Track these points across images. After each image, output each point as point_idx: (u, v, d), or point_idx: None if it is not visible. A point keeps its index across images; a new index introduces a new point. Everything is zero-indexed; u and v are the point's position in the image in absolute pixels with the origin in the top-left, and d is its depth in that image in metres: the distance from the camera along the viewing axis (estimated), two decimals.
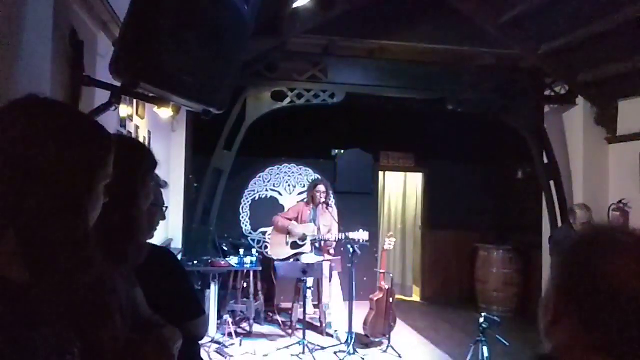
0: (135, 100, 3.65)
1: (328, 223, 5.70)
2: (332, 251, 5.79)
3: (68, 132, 0.86)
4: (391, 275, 5.68)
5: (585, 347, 0.80)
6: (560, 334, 0.84)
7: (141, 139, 4.08)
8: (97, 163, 0.89)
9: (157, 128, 4.87)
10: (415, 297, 8.09)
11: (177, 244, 5.85)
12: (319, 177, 6.36)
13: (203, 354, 4.48)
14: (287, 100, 5.71)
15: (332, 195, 5.86)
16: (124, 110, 3.41)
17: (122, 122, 3.42)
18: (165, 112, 3.78)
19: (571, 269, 0.84)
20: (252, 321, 5.72)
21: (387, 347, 5.23)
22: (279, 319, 6.06)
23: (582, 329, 0.80)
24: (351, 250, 5.11)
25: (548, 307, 0.86)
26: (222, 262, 5.39)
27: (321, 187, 5.70)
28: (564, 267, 0.86)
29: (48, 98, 0.89)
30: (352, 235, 5.27)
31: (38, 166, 0.81)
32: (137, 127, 3.92)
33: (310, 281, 5.57)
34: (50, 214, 0.81)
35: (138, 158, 1.35)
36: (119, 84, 2.05)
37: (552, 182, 6.02)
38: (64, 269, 0.80)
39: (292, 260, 5.64)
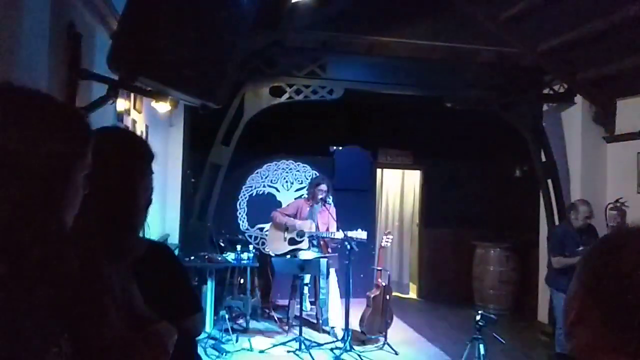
0: (132, 94, 3.63)
1: (326, 221, 5.69)
2: (329, 249, 5.78)
3: (44, 121, 0.83)
4: (388, 272, 5.69)
5: (608, 348, 0.78)
6: (582, 334, 0.83)
7: (138, 134, 4.06)
8: (74, 153, 0.87)
9: (155, 123, 4.85)
10: (412, 295, 8.10)
11: (174, 239, 5.83)
12: (321, 175, 6.36)
13: (199, 350, 4.47)
14: (286, 95, 5.69)
15: (330, 194, 5.85)
16: (121, 104, 3.39)
17: (119, 116, 3.41)
18: (162, 107, 3.75)
19: (596, 269, 0.83)
20: (248, 317, 5.71)
21: (384, 344, 5.23)
22: (276, 315, 6.06)
23: (605, 329, 0.79)
24: (348, 247, 5.11)
25: (571, 306, 0.85)
26: (219, 258, 5.38)
27: (323, 187, 5.68)
28: (589, 266, 0.85)
29: (23, 86, 0.86)
30: (350, 233, 5.26)
31: (12, 157, 0.79)
32: (134, 122, 3.90)
33: (307, 278, 5.57)
34: (24, 206, 0.79)
35: (135, 150, 1.34)
36: (116, 78, 2.04)
37: (549, 181, 6.02)
38: (39, 262, 0.79)
39: (289, 256, 5.64)
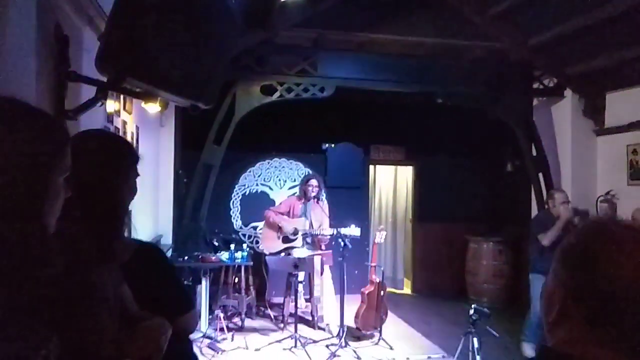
0: (122, 95, 3.62)
1: (319, 217, 5.70)
2: (323, 246, 5.79)
3: (18, 127, 0.84)
4: (382, 268, 5.70)
5: (593, 343, 0.80)
6: (565, 331, 0.84)
7: (129, 135, 4.05)
8: (51, 158, 0.88)
9: (145, 123, 4.83)
10: (406, 290, 8.13)
11: (167, 239, 5.82)
12: (311, 172, 6.36)
13: (195, 349, 4.48)
14: (277, 94, 5.69)
15: (323, 190, 5.86)
16: (111, 105, 3.38)
17: (109, 118, 3.39)
18: (152, 107, 3.73)
19: (575, 268, 0.84)
20: (243, 316, 5.72)
21: (379, 339, 5.25)
22: (271, 313, 6.07)
23: (590, 327, 0.80)
24: (342, 244, 5.12)
25: (552, 304, 0.86)
26: (213, 258, 5.38)
27: (313, 182, 5.69)
28: (568, 265, 0.85)
29: None
30: (344, 230, 5.28)
31: None
32: (124, 123, 3.89)
33: (301, 275, 5.58)
34: (3, 212, 0.80)
35: (119, 152, 1.34)
36: (105, 79, 2.03)
37: (540, 174, 6.06)
38: (21, 266, 0.79)
39: (283, 254, 5.64)
